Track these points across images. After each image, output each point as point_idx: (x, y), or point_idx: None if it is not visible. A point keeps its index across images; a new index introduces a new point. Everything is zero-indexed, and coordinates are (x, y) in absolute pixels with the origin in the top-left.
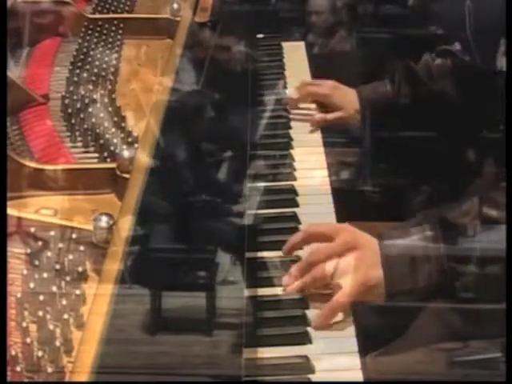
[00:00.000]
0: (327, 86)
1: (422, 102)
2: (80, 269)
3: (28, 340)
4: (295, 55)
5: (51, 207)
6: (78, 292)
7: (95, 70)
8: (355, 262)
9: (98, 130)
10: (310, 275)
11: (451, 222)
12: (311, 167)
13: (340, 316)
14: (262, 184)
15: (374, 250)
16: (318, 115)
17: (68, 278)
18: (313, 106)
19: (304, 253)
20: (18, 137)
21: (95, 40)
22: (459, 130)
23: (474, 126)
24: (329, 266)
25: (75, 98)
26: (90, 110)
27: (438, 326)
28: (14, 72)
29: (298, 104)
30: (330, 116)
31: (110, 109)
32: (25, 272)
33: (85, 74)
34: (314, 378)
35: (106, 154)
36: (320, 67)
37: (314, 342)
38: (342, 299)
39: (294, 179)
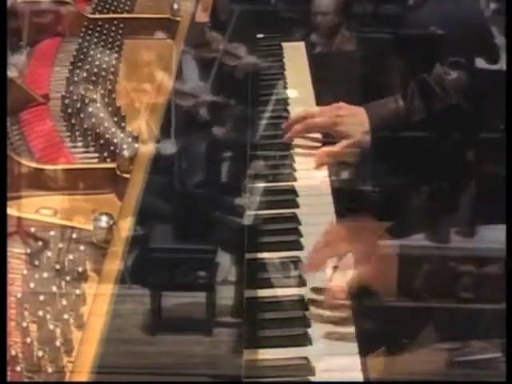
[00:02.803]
0: (329, 115)
1: (435, 117)
2: (80, 269)
3: (28, 340)
4: (295, 55)
5: (51, 207)
6: (78, 292)
7: (95, 70)
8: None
9: (97, 130)
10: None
11: None
12: (311, 167)
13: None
14: (262, 184)
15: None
16: (323, 149)
17: (68, 278)
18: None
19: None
20: (18, 137)
21: (95, 40)
22: (463, 133)
23: (479, 130)
24: None
25: (75, 97)
26: (90, 109)
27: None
28: (14, 72)
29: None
30: (337, 147)
31: (110, 109)
32: (25, 272)
33: (85, 74)
34: (314, 379)
35: (106, 154)
36: (320, 67)
37: (314, 343)
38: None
39: (295, 180)
